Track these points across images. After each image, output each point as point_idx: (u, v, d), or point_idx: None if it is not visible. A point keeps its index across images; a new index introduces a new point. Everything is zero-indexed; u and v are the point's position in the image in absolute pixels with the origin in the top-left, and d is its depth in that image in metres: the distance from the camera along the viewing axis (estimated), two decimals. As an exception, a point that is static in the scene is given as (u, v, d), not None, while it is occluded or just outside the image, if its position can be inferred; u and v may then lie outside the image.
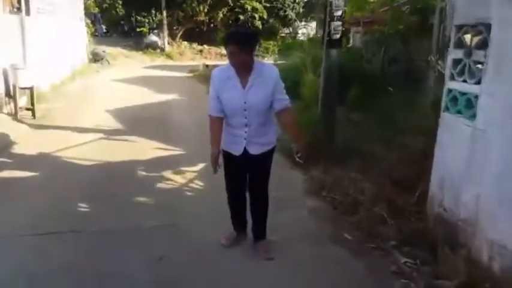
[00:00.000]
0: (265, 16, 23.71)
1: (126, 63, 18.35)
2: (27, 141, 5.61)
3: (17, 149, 5.27)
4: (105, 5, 27.69)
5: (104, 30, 27.49)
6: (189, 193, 4.09)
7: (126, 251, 2.98)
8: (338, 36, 5.26)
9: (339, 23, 5.27)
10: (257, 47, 2.83)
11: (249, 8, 23.28)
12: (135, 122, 7.02)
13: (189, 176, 4.43)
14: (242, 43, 2.59)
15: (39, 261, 2.81)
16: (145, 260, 2.86)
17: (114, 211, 3.59)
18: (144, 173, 4.57)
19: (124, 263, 2.82)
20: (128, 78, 12.70)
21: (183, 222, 3.39)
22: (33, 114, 6.97)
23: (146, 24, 23.94)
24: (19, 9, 8.11)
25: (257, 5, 23.53)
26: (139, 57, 20.72)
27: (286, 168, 4.55)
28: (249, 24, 22.63)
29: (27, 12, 8.41)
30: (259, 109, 2.70)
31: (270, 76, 2.68)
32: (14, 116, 6.74)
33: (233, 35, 2.68)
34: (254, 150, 2.79)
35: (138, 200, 3.85)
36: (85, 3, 18.07)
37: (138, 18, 24.83)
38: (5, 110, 6.79)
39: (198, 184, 4.27)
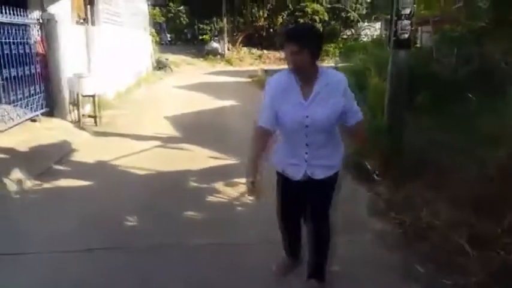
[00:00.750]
0: (326, 18, 23.15)
1: (188, 70, 18.77)
2: (87, 149, 5.72)
3: (76, 157, 5.38)
4: (170, 15, 28.78)
5: (169, 39, 28.50)
6: (239, 208, 3.83)
7: (170, 270, 2.78)
8: (406, 36, 4.79)
9: (407, 21, 4.80)
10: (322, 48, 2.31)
11: (310, 10, 22.86)
12: (192, 129, 6.96)
13: (242, 189, 4.17)
14: (304, 41, 2.11)
15: (83, 277, 2.71)
16: (189, 280, 2.65)
17: (163, 226, 3.44)
18: (195, 184, 4.40)
19: (166, 283, 2.62)
20: (189, 84, 12.90)
21: (230, 241, 3.14)
22: (96, 122, 7.17)
23: (208, 32, 24.50)
24: (85, 20, 8.46)
25: (318, 7, 23.05)
26: (200, 64, 21.16)
27: (346, 183, 4.13)
28: (310, 28, 22.15)
29: (93, 23, 8.77)
30: (324, 125, 2.22)
31: (338, 85, 2.20)
32: (77, 123, 6.97)
33: (293, 31, 2.30)
34: (316, 175, 2.32)
35: (187, 214, 3.66)
36: (151, 14, 18.81)
37: (201, 26, 25.50)
38: (69, 118, 7.05)
39: (250, 199, 4.00)
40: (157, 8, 24.06)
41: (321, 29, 22.68)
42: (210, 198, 4.02)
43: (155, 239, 3.22)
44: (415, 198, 3.56)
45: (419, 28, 12.11)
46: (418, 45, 11.76)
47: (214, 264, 2.85)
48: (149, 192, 4.20)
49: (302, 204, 2.49)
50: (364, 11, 24.63)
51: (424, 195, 3.55)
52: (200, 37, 24.99)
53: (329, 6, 23.41)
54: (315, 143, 2.27)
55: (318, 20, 22.73)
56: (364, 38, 23.03)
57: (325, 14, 23.08)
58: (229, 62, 21.77)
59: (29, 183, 4.34)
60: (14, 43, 5.72)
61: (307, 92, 2.20)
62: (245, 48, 23.75)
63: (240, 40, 23.84)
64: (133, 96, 10.77)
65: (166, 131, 6.91)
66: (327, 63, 20.18)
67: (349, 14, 23.80)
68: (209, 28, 24.71)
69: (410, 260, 2.83)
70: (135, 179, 4.64)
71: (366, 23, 25.19)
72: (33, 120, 6.35)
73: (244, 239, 3.17)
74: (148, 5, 16.80)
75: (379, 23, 23.06)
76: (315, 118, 2.19)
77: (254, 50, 23.69)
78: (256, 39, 24.22)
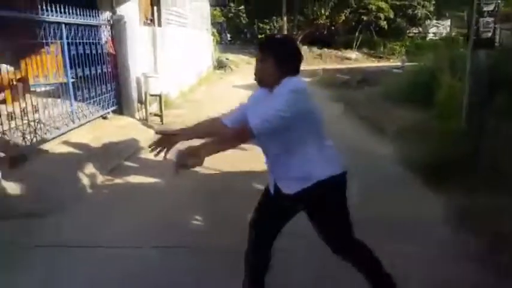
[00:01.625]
0: (391, 16, 22.30)
1: (247, 69, 18.88)
2: (154, 147, 5.90)
3: (144, 154, 5.57)
4: (230, 15, 29.26)
5: (229, 38, 29.02)
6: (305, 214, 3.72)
7: (234, 273, 2.76)
8: (489, 34, 4.44)
9: (490, 19, 4.45)
10: (293, 60, 2.02)
11: (374, 8, 22.13)
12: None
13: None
14: (264, 47, 2.02)
15: (145, 274, 2.76)
16: None
17: (227, 227, 3.41)
18: (259, 186, 4.36)
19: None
20: (248, 84, 12.93)
21: (292, 248, 3.05)
22: (162, 120, 7.41)
23: (267, 31, 24.60)
24: (152, 21, 8.79)
25: (382, 4, 22.25)
26: (260, 63, 21.20)
27: (414, 187, 3.89)
28: (373, 25, 21.48)
29: (159, 24, 9.08)
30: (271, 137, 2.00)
31: (280, 89, 1.93)
32: (144, 121, 7.25)
33: (264, 39, 2.25)
34: (286, 187, 2.06)
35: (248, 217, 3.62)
36: (212, 14, 19.23)
37: (260, 25, 25.67)
38: (137, 116, 7.35)
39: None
40: (218, 8, 24.57)
41: (386, 27, 22.00)
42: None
43: (219, 240, 3.21)
44: (496, 209, 3.26)
45: (498, 25, 11.25)
46: (497, 43, 10.93)
47: (280, 272, 2.77)
48: (213, 192, 4.23)
49: (273, 226, 2.26)
50: (432, 8, 23.41)
51: (507, 206, 3.24)
52: (259, 36, 25.17)
53: (396, 3, 22.49)
54: (269, 152, 2.13)
55: (382, 17, 21.95)
56: (432, 36, 21.90)
57: (390, 11, 22.22)
58: (288, 61, 21.66)
59: (101, 178, 4.55)
60: (86, 43, 6.04)
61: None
62: (305, 47, 23.50)
63: (300, 39, 23.66)
64: (195, 95, 11.04)
65: (227, 130, 6.96)
66: (392, 62, 19.45)
67: (416, 11, 22.72)
68: (268, 27, 24.83)
69: (494, 280, 2.57)
70: (200, 178, 4.69)
71: (434, 21, 23.93)
72: (104, 117, 6.69)
73: (309, 247, 3.06)
74: (210, 5, 17.17)
75: (449, 21, 21.79)
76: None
77: (314, 49, 23.39)
78: (316, 38, 23.91)
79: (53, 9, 5.00)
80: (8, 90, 5.02)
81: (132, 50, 7.14)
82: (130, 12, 7.20)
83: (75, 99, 5.90)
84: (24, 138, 4.57)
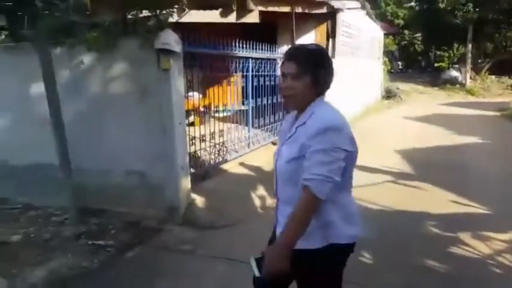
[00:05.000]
0: None
1: (420, 100, 17.85)
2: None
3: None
4: (403, 42, 28.32)
5: (400, 67, 28.04)
6: (496, 270, 3.26)
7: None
8: None
9: None
10: (331, 79, 1.72)
11: None
12: (428, 166, 6.50)
13: (497, 247, 3.57)
14: (299, 60, 1.65)
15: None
16: None
17: (395, 268, 3.26)
18: (434, 230, 4.02)
19: None
20: (421, 116, 12.23)
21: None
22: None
23: (445, 59, 22.86)
24: (327, 52, 9.15)
25: None
26: (434, 94, 19.82)
27: None
28: None
29: (333, 55, 9.39)
30: (284, 176, 1.70)
31: (313, 125, 1.60)
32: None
33: (292, 48, 1.76)
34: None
35: (424, 262, 3.36)
36: (384, 43, 18.94)
37: (438, 53, 24.05)
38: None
39: (511, 261, 3.37)
40: (390, 36, 24.07)
41: None
42: (454, 250, 3.58)
43: (385, 279, 3.09)
44: None
45: None
46: None
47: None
48: (380, 229, 4.07)
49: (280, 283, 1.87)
50: None
51: None
52: (436, 64, 23.56)
53: None
54: (281, 195, 1.76)
55: None
56: None
57: None
58: (470, 92, 19.61)
59: (269, 201, 4.89)
60: (266, 75, 6.66)
61: (290, 129, 1.74)
62: (492, 77, 20.97)
63: (486, 67, 21.24)
64: (361, 125, 10.91)
65: (396, 165, 6.67)
66: None
67: None
68: (447, 55, 23.03)
69: None
70: (365, 213, 4.60)
71: None
72: (273, 143, 7.20)
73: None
74: (384, 34, 16.97)
75: None
76: (278, 162, 1.73)
77: (504, 79, 20.64)
78: (507, 67, 21.08)
79: (244, 45, 5.70)
80: (197, 114, 5.88)
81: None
82: (306, 44, 7.64)
83: (252, 125, 6.53)
84: (210, 157, 5.27)
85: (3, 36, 8.93)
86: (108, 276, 3.27)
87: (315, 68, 1.65)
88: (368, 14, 13.37)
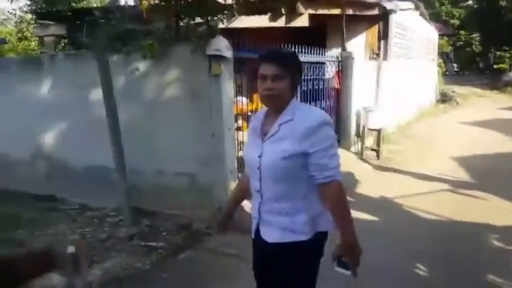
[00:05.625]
0: None
1: (478, 104, 16.96)
2: (369, 182, 5.91)
3: (359, 189, 5.64)
4: (459, 43, 27.12)
5: (455, 69, 26.87)
6: None
7: None
8: None
9: None
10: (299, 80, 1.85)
11: None
12: (488, 175, 6.16)
13: None
14: (283, 63, 1.75)
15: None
16: None
17: (451, 284, 3.11)
18: (497, 244, 3.80)
19: None
20: (479, 121, 11.62)
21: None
22: (378, 155, 7.37)
23: (507, 60, 21.61)
24: (378, 55, 8.95)
25: None
26: (494, 97, 18.76)
27: None
28: None
29: (384, 57, 9.16)
30: (275, 173, 1.75)
31: (301, 123, 1.71)
32: (359, 155, 7.34)
33: (272, 52, 1.87)
34: (268, 235, 1.84)
35: (485, 278, 3.18)
36: (439, 44, 18.22)
37: (498, 53, 22.79)
38: (352, 149, 7.53)
39: None
40: (445, 37, 23.13)
41: None
42: (521, 266, 3.37)
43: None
44: None
45: None
46: None
47: None
48: (439, 240, 3.92)
49: (266, 278, 1.97)
50: None
51: None
52: (496, 66, 22.31)
53: None
54: (266, 193, 1.81)
55: None
56: None
57: None
58: (534, 95, 18.41)
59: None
60: (315, 79, 6.60)
61: (269, 127, 1.81)
62: None
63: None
64: (414, 130, 10.55)
65: (453, 173, 6.37)
66: None
67: None
68: (508, 55, 21.75)
69: None
70: (421, 223, 4.43)
71: None
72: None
73: None
74: (438, 35, 16.33)
75: None
76: (264, 161, 1.77)
77: None
78: None
79: (293, 49, 5.68)
80: (245, 119, 5.93)
81: (355, 84, 7.42)
82: (357, 48, 7.54)
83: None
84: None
85: (63, 44, 9.52)
86: (160, 278, 3.37)
87: (293, 70, 1.77)
88: (422, 14, 12.93)
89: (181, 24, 4.76)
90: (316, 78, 6.63)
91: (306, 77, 6.26)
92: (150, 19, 4.81)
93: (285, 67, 1.75)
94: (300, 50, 5.89)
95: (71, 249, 1.25)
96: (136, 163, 4.52)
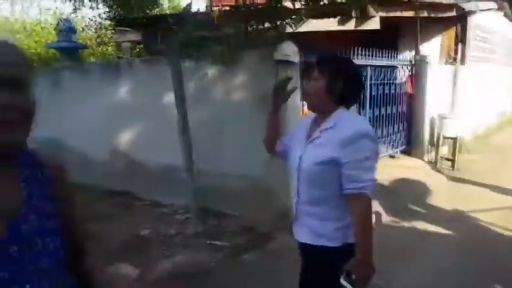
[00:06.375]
0: None
1: None
2: (442, 194, 5.66)
3: (431, 200, 5.42)
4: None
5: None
6: None
7: None
8: None
9: None
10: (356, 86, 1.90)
11: None
12: None
13: None
14: (321, 65, 1.82)
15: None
16: None
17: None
18: None
19: None
20: None
21: None
22: (453, 166, 7.02)
23: None
24: (454, 59, 8.53)
25: None
26: None
27: None
28: None
29: (462, 61, 8.71)
30: (310, 176, 1.80)
31: (340, 131, 1.73)
32: (433, 164, 7.04)
33: (322, 55, 2.00)
34: (300, 235, 1.91)
35: None
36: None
37: None
38: (425, 158, 7.24)
39: None
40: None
41: None
42: None
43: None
44: None
45: None
46: None
47: None
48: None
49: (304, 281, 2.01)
50: None
51: None
52: None
53: None
54: (303, 194, 1.86)
55: None
56: None
57: None
58: None
59: (385, 218, 4.73)
60: (386, 84, 6.46)
61: (313, 131, 1.86)
62: None
63: None
64: (493, 139, 9.87)
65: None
66: None
67: None
68: None
69: None
70: (497, 239, 4.19)
71: None
72: (391, 156, 6.93)
73: None
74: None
75: None
76: (303, 165, 1.83)
77: None
78: None
79: (362, 53, 5.64)
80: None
81: (430, 89, 7.14)
82: (432, 51, 7.27)
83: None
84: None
85: (137, 50, 10.18)
86: (224, 276, 3.51)
87: (330, 74, 1.79)
88: (506, 15, 12.08)
89: (250, 29, 4.92)
90: (387, 83, 6.50)
91: (375, 81, 6.17)
92: (221, 25, 5.02)
93: (321, 70, 1.80)
94: (368, 53, 5.82)
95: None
96: (204, 164, 4.73)
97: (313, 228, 1.84)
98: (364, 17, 6.62)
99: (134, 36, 9.24)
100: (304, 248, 1.91)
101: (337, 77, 1.78)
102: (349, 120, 1.78)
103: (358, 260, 1.69)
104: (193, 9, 5.53)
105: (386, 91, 6.48)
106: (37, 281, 0.91)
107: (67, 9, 11.38)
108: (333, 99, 1.79)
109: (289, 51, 4.19)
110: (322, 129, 1.80)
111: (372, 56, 5.94)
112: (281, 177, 4.37)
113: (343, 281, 1.72)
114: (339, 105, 1.81)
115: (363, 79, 1.94)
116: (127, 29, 9.13)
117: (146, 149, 5.43)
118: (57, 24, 5.77)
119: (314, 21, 6.71)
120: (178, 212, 4.96)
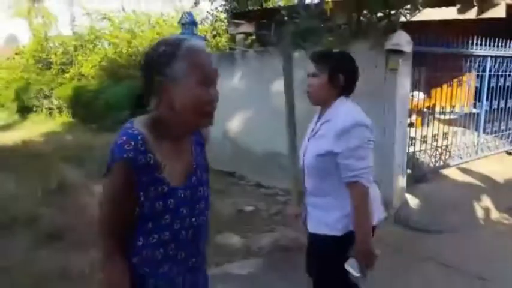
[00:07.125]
0: None
1: None
2: None
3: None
4: None
5: None
6: None
7: None
8: None
9: None
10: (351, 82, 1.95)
11: None
12: None
13: None
14: (319, 61, 1.94)
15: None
16: None
17: None
18: None
19: None
20: None
21: None
22: None
23: None
24: None
25: None
26: None
27: None
28: None
29: None
30: (311, 168, 1.95)
31: (336, 123, 1.83)
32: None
33: (314, 52, 2.02)
34: (308, 225, 2.06)
35: None
36: None
37: None
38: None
39: None
40: None
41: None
42: None
43: None
44: None
45: None
46: None
47: None
48: None
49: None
50: None
51: None
52: None
53: None
54: (309, 186, 2.02)
55: None
56: None
57: None
58: None
59: (496, 214, 4.52)
60: (508, 75, 6.00)
61: (316, 125, 2.00)
62: None
63: None
64: None
65: None
66: None
67: None
68: None
69: None
70: None
71: None
72: (509, 152, 6.45)
73: None
74: None
75: None
76: (306, 156, 1.99)
77: None
78: None
79: (482, 43, 5.35)
80: (419, 115, 5.82)
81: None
82: None
83: (483, 131, 6.04)
84: (430, 160, 5.20)
85: (249, 41, 10.70)
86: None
87: (330, 68, 1.88)
88: None
89: (362, 19, 4.97)
90: (510, 74, 6.07)
91: (497, 73, 5.80)
92: (333, 15, 5.14)
93: (320, 65, 1.91)
94: (491, 43, 5.49)
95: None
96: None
97: (318, 218, 1.97)
98: (486, 4, 6.18)
99: (247, 28, 9.73)
100: (311, 237, 2.03)
101: (338, 71, 1.90)
102: (344, 112, 1.86)
103: (358, 245, 1.79)
104: (307, 0, 5.73)
105: (508, 83, 6.04)
106: (201, 216, 1.33)
107: (187, 2, 12.35)
108: (335, 91, 1.92)
109: (401, 40, 4.19)
110: (322, 121, 1.93)
111: (494, 46, 5.59)
112: (384, 168, 4.42)
113: (347, 266, 1.82)
114: (340, 96, 1.93)
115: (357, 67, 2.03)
116: (241, 21, 9.66)
117: (254, 134, 5.86)
118: (181, 17, 6.40)
119: (430, 9, 6.46)
120: (279, 194, 5.31)
